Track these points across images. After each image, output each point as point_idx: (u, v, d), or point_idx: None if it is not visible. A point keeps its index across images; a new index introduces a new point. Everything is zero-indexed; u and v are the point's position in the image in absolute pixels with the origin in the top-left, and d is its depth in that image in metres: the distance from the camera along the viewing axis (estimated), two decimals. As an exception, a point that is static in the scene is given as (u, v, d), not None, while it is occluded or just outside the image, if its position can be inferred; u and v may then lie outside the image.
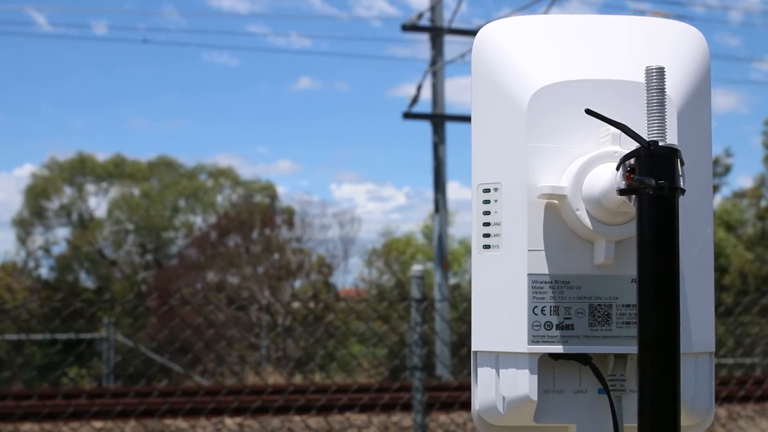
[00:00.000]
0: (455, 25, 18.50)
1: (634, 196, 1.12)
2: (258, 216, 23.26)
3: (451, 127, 17.98)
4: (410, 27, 18.33)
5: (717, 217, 23.69)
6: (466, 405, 8.52)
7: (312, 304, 14.37)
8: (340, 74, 51.54)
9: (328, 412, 8.41)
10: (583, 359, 1.32)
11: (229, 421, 8.83)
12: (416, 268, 6.38)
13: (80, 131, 46.93)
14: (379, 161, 50.94)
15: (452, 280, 17.96)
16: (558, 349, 1.31)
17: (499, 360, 1.33)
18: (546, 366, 1.33)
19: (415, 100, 17.99)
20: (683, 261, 1.29)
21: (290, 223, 23.42)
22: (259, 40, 43.72)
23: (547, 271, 1.30)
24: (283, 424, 8.65)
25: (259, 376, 11.00)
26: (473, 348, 1.36)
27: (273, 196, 29.43)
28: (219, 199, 30.73)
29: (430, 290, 17.82)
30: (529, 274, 1.30)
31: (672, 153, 1.10)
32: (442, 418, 9.22)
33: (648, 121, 1.13)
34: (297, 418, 8.72)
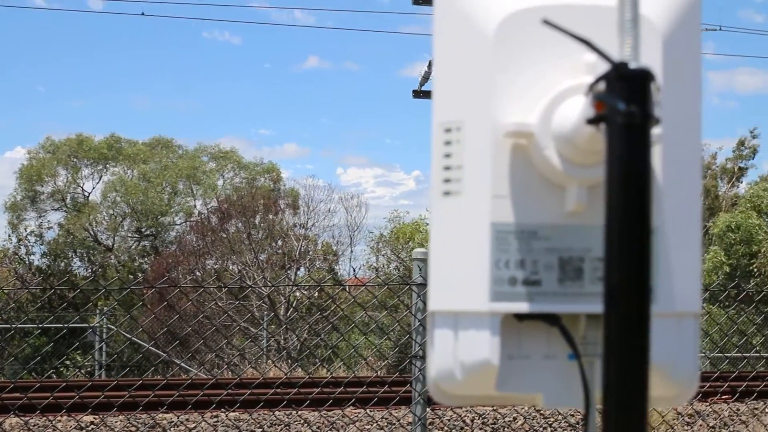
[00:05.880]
0: (471, -2, 18.35)
1: (603, 125, 1.03)
2: (261, 200, 23.19)
3: (465, 108, 17.84)
4: (422, 1, 18.18)
5: (748, 201, 23.46)
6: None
7: (313, 293, 14.29)
8: (349, 53, 51.45)
9: (324, 405, 8.32)
10: (552, 319, 1.23)
11: (223, 416, 8.75)
12: (418, 250, 6.25)
13: (77, 113, 47.04)
14: (387, 144, 50.89)
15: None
16: (523, 307, 1.22)
17: (458, 320, 1.24)
18: (510, 328, 1.24)
19: (426, 78, 17.88)
20: (665, 209, 1.20)
21: (295, 207, 23.35)
22: (263, 15, 43.61)
23: (512, 220, 1.22)
24: (279, 419, 8.57)
25: (257, 370, 10.93)
26: (429, 308, 1.28)
27: (277, 179, 29.38)
28: (220, 182, 30.70)
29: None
30: (492, 223, 1.22)
31: (645, 75, 1.01)
32: (449, 413, 9.13)
33: (619, 39, 1.04)
34: (294, 413, 8.63)
